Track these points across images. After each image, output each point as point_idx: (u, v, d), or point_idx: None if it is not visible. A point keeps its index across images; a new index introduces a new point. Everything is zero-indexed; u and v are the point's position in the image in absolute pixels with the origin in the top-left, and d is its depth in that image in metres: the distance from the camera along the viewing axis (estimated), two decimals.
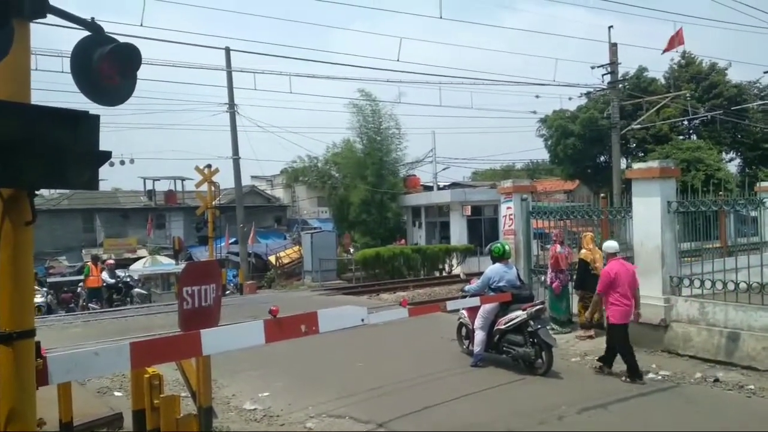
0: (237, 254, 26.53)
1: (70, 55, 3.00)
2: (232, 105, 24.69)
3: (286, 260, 28.30)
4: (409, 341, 9.79)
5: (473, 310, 8.15)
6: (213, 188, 21.54)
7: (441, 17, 17.51)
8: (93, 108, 2.99)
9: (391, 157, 33.77)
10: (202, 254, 28.33)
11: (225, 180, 24.62)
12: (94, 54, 2.95)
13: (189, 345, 4.31)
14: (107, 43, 3.00)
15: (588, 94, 29.02)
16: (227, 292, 23.12)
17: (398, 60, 18.56)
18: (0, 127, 2.50)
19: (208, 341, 4.32)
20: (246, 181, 35.51)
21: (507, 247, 8.56)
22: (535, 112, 33.52)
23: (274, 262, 27.98)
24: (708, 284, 8.26)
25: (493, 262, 8.34)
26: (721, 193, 9.65)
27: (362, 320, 5.41)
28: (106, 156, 2.90)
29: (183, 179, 37.05)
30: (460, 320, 8.80)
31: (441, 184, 38.85)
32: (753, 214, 13.95)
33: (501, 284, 8.08)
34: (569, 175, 39.80)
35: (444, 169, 39.34)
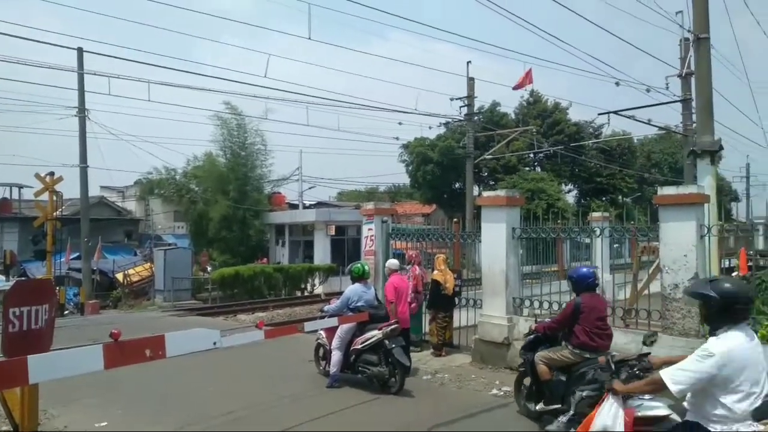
0: (79, 270, 24.34)
1: None
2: (82, 109, 22.84)
3: (135, 278, 26.46)
4: (265, 363, 9.57)
5: (332, 331, 8.16)
6: (55, 198, 19.69)
7: (309, 38, 17.64)
8: None
9: (255, 174, 33.16)
10: (38, 270, 25.61)
11: (70, 189, 22.64)
12: None
13: (13, 373, 3.86)
14: None
15: (447, 124, 30.78)
16: (66, 312, 21.12)
17: (266, 76, 18.28)
18: None
19: (36, 368, 3.89)
20: (95, 191, 32.89)
21: (366, 268, 8.70)
22: (397, 138, 34.86)
23: (121, 280, 26.04)
24: (546, 305, 9.01)
25: (353, 282, 8.44)
26: (559, 221, 10.62)
27: (214, 343, 5.17)
28: None
29: (21, 187, 33.51)
30: (318, 341, 8.77)
31: (306, 203, 38.82)
32: (586, 241, 15.55)
33: (359, 304, 8.19)
34: (427, 200, 41.75)
35: (310, 188, 39.43)
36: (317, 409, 7.02)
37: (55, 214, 19.45)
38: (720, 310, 3.38)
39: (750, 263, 12.78)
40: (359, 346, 7.95)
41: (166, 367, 6.78)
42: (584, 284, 6.03)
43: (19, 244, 31.39)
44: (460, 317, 10.49)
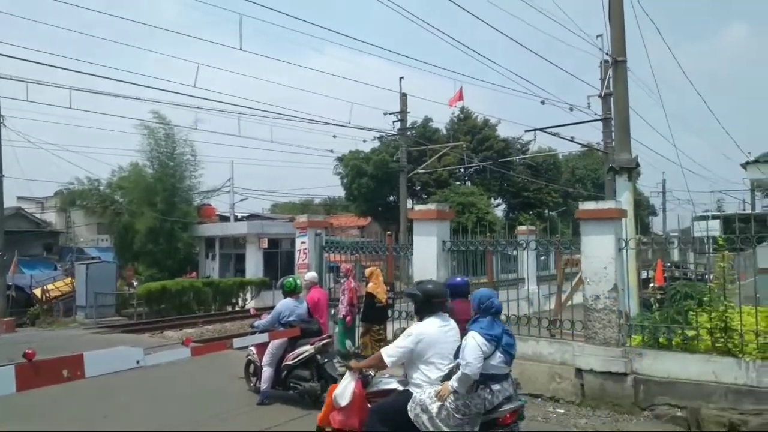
0: None
1: None
2: None
3: (55, 293, 25.04)
4: (193, 381, 9.28)
5: (262, 347, 8.02)
6: None
7: (241, 48, 17.45)
8: None
9: (184, 185, 32.20)
10: None
11: None
12: None
13: None
14: None
15: (381, 137, 31.03)
16: None
17: (195, 86, 17.88)
18: None
19: None
20: (11, 202, 31.02)
21: (299, 282, 8.63)
22: (332, 151, 34.80)
23: (40, 296, 24.59)
24: None
25: (285, 297, 8.34)
26: (489, 234, 10.90)
27: (138, 362, 4.99)
28: None
29: None
30: (249, 357, 8.59)
31: (238, 215, 38.01)
32: (514, 253, 16.02)
33: (291, 318, 8.09)
34: (362, 212, 41.87)
35: (242, 200, 38.53)
36: (247, 426, 6.88)
37: None
38: (423, 303, 4.70)
39: (666, 274, 13.57)
40: (291, 362, 7.84)
41: (85, 388, 6.47)
42: (458, 292, 6.58)
43: None
44: (393, 329, 10.55)
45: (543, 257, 18.19)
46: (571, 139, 17.00)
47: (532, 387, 8.08)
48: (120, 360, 5.04)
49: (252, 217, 38.93)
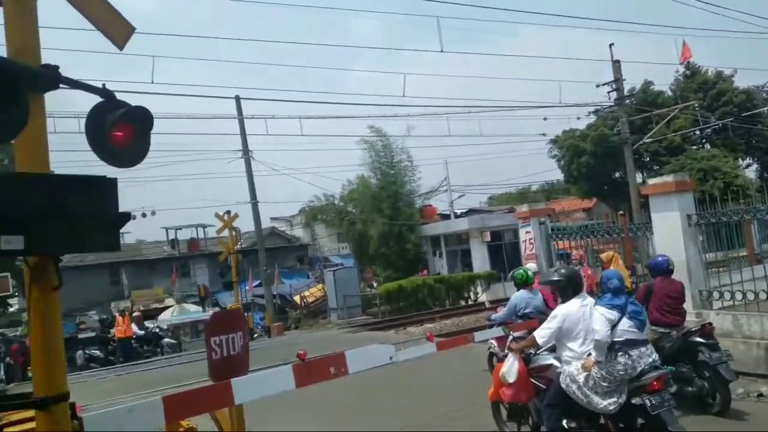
0: (262, 296, 26.59)
1: (84, 122, 3.10)
2: (246, 151, 25.11)
3: (310, 299, 28.31)
4: (440, 374, 9.65)
5: (503, 339, 8.01)
6: (234, 233, 21.79)
7: (442, 51, 17.77)
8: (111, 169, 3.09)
9: (405, 189, 33.87)
10: (228, 299, 28.46)
11: (245, 224, 24.87)
12: (106, 119, 3.04)
13: (221, 395, 4.30)
14: (119, 107, 3.10)
15: (596, 111, 29.02)
16: (255, 335, 23.13)
17: (404, 95, 18.80)
18: (21, 198, 2.58)
19: (239, 390, 4.31)
20: (265, 223, 35.85)
21: (530, 273, 8.45)
22: (544, 134, 33.55)
23: (299, 302, 27.97)
24: (739, 295, 8.08)
25: (518, 289, 8.24)
26: (741, 201, 9.50)
27: (390, 358, 5.37)
28: (126, 218, 2.97)
29: (204, 226, 37.52)
30: (491, 350, 8.68)
31: (458, 212, 38.77)
32: None
33: (528, 311, 7.95)
34: (585, 194, 39.61)
35: (459, 197, 39.26)
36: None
37: (235, 247, 21.50)
38: (565, 287, 5.18)
39: None
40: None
41: (341, 383, 7.13)
42: (660, 270, 6.99)
43: (210, 277, 35.16)
44: None
45: None
46: None
47: None
48: (375, 357, 5.47)
49: (471, 212, 39.37)
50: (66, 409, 2.96)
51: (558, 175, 43.04)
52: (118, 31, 3.22)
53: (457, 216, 36.93)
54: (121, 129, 3.03)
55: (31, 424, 3.06)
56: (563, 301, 5.19)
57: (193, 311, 28.34)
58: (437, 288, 25.62)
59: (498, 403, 5.99)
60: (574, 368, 4.92)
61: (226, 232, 21.83)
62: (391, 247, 32.00)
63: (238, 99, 24.17)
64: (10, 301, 29.01)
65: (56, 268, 2.79)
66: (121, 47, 3.21)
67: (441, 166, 38.76)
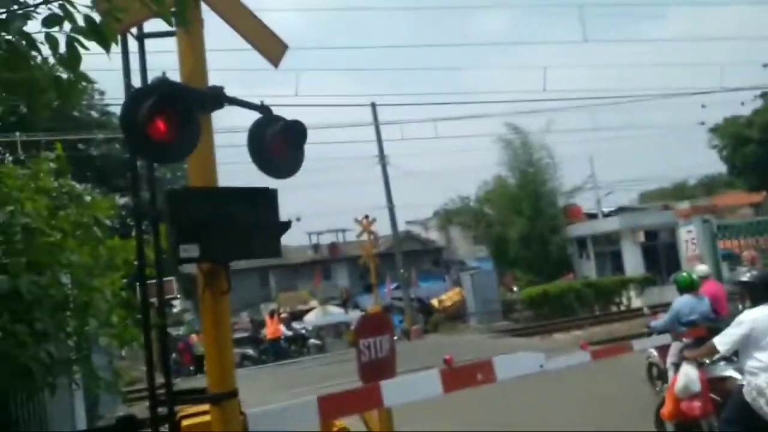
0: (400, 299, 27.02)
1: (246, 136, 3.31)
2: (382, 157, 25.71)
3: (448, 303, 28.21)
4: (593, 385, 9.11)
5: (664, 349, 7.42)
6: (372, 237, 22.42)
7: (585, 40, 16.87)
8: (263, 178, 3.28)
9: (547, 188, 32.59)
10: (367, 302, 29.31)
11: (382, 228, 25.35)
12: (266, 133, 3.25)
13: (370, 397, 4.39)
14: (277, 122, 3.28)
15: (764, 95, 25.97)
16: (395, 338, 23.54)
17: (544, 90, 18.15)
18: (196, 210, 2.82)
19: (387, 392, 4.37)
20: (401, 226, 36.53)
21: (695, 276, 7.76)
22: (703, 123, 30.68)
23: (436, 306, 28.04)
24: None
25: (680, 294, 7.58)
26: None
27: (541, 366, 5.17)
28: (286, 226, 3.14)
29: (344, 231, 39.10)
30: (650, 360, 8.09)
31: (605, 211, 36.57)
32: None
33: (692, 317, 7.29)
34: (752, 187, 35.72)
35: (608, 194, 37.01)
36: None
37: (373, 251, 22.10)
38: (756, 290, 4.77)
39: None
40: None
41: (485, 388, 6.97)
42: None
43: (350, 280, 36.55)
44: None
45: None
46: None
47: None
48: (524, 364, 5.29)
49: (621, 210, 36.96)
50: (236, 404, 3.18)
51: (719, 168, 39.22)
52: (274, 49, 3.40)
53: (605, 215, 34.82)
54: (279, 142, 3.21)
55: (205, 417, 3.30)
56: (752, 306, 4.77)
57: (336, 313, 29.55)
58: (585, 293, 24.36)
59: (661, 420, 5.55)
60: (762, 380, 4.47)
61: (364, 236, 22.51)
62: (533, 249, 30.96)
63: (374, 106, 24.85)
64: (173, 302, 32.27)
65: (226, 273, 3.00)
66: (276, 65, 3.39)
67: (586, 162, 36.76)
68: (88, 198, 3.92)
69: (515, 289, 27.72)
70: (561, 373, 8.63)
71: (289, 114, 3.31)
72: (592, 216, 35.92)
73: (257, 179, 3.25)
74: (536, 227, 30.73)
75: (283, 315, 23.45)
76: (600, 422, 7.22)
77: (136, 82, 3.13)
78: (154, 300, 3.37)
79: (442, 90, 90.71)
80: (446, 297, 28.90)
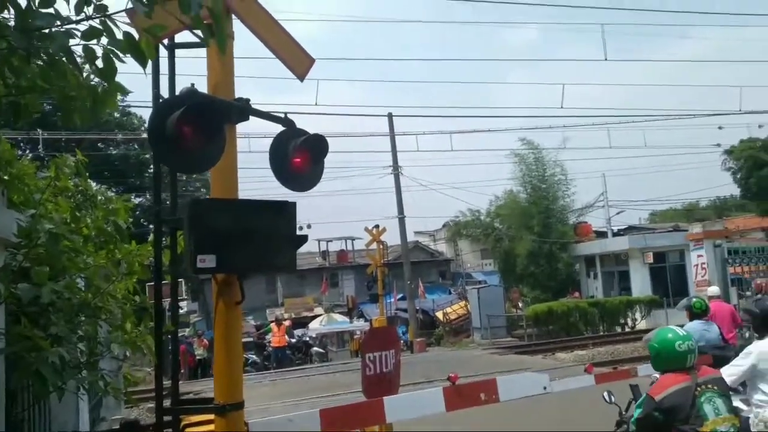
0: (405, 310, 26.94)
1: (268, 149, 3.34)
2: (396, 167, 25.73)
3: (453, 316, 28.09)
4: (598, 408, 9.02)
5: None
6: (381, 247, 22.38)
7: (606, 59, 16.87)
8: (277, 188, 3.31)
9: (558, 205, 32.48)
10: (372, 311, 29.21)
11: (391, 237, 25.22)
12: (289, 146, 3.28)
13: (373, 412, 4.40)
14: (299, 135, 3.32)
15: None
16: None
17: (562, 107, 18.17)
18: (216, 221, 2.85)
19: (391, 408, 4.38)
20: (410, 237, 36.47)
21: (707, 302, 7.75)
22: (719, 145, 30.53)
23: (441, 319, 27.92)
24: None
25: (691, 319, 7.54)
26: None
27: (545, 388, 5.16)
28: (303, 240, 3.17)
29: (353, 239, 39.00)
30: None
31: (615, 229, 36.31)
32: None
33: (700, 344, 7.21)
34: (765, 210, 35.37)
35: (618, 213, 36.69)
36: None
37: (382, 261, 22.05)
38: (761, 321, 4.74)
39: None
40: None
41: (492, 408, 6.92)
42: None
43: (356, 288, 36.44)
44: None
45: None
46: None
47: None
48: (528, 385, 5.29)
49: (631, 230, 36.69)
50: (242, 416, 3.19)
51: (732, 190, 38.95)
52: (300, 63, 3.45)
53: (615, 234, 34.54)
54: (301, 155, 3.24)
55: (209, 427, 3.32)
56: (759, 338, 4.78)
57: (341, 321, 29.48)
58: (590, 312, 24.16)
59: None
60: None
61: (374, 246, 22.48)
62: (541, 266, 30.80)
63: (390, 116, 24.92)
64: (181, 304, 32.31)
65: (240, 284, 3.02)
66: (302, 79, 3.43)
67: (598, 179, 36.55)
68: (101, 198, 3.93)
69: (521, 305, 27.58)
70: (567, 395, 8.62)
71: (305, 121, 3.36)
72: (602, 234, 35.72)
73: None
74: (545, 244, 30.59)
75: (286, 322, 23.45)
76: None
77: (164, 90, 3.19)
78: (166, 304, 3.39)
79: (461, 103, 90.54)
80: (451, 310, 28.76)
